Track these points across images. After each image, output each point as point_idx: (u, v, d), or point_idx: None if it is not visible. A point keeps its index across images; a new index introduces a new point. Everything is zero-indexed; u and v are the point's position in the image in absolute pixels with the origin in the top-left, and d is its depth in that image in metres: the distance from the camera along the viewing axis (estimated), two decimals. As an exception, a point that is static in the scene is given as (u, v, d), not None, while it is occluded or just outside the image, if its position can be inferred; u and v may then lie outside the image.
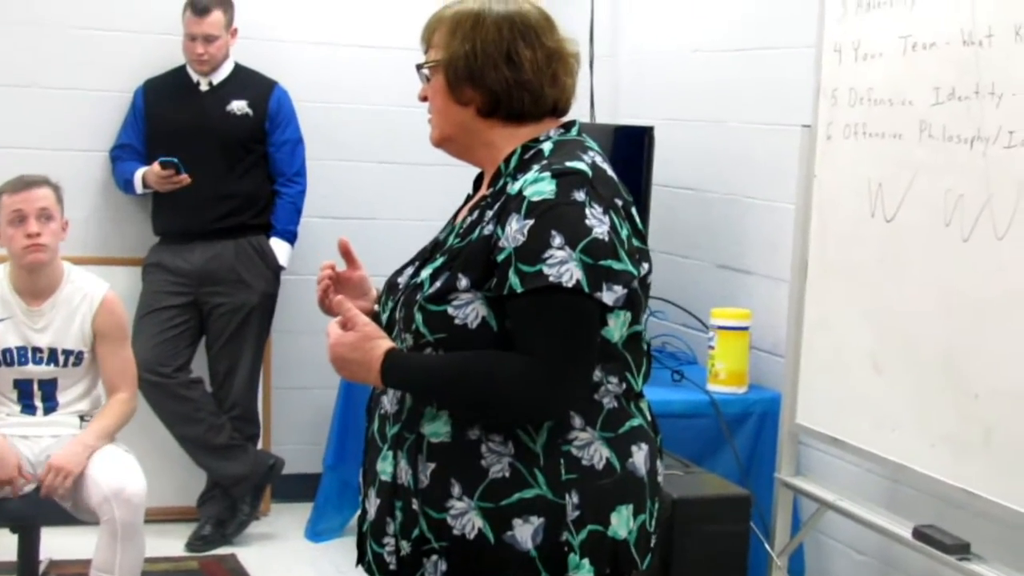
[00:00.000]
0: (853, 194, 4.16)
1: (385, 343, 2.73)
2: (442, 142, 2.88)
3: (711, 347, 5.04)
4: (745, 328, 5.04)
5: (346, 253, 3.05)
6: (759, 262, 5.30)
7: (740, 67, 5.47)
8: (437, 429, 2.69)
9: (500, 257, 2.61)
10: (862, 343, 4.12)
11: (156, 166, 6.00)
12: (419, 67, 2.87)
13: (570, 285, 2.56)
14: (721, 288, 5.51)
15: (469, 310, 2.65)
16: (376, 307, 2.95)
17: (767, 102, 5.26)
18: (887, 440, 4.01)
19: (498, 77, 2.77)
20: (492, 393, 2.62)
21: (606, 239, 2.61)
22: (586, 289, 2.58)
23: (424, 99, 2.89)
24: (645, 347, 2.80)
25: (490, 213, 2.70)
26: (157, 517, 5.76)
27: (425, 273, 2.75)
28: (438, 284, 2.69)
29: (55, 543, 5.21)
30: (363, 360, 2.71)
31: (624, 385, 2.74)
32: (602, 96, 6.34)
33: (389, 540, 2.77)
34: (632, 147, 5.43)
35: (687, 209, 5.77)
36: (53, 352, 4.86)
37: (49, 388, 4.90)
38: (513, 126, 2.82)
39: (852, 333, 4.18)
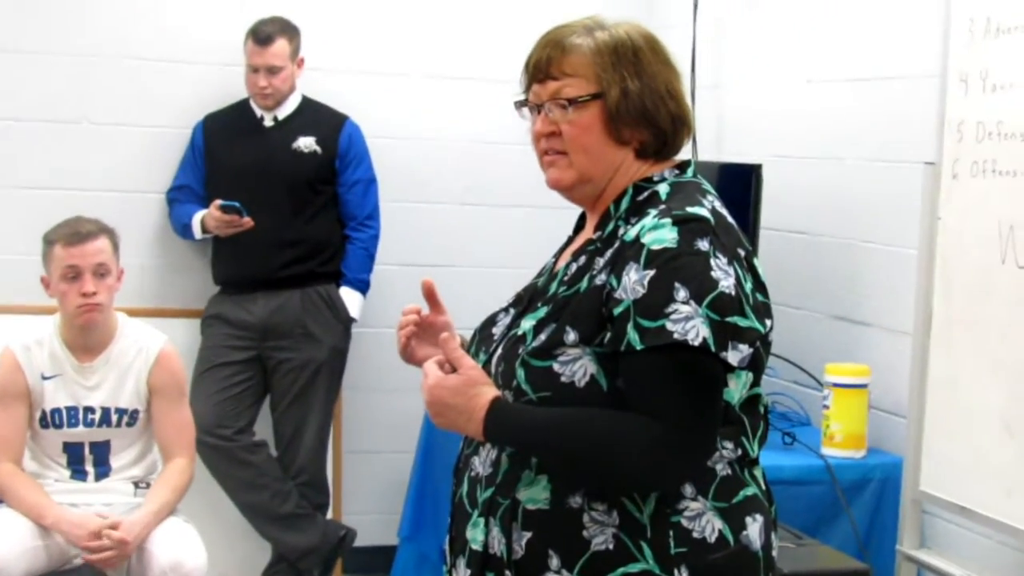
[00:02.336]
0: (982, 238, 4.15)
1: (491, 391, 2.70)
2: (578, 185, 2.80)
3: (826, 406, 5.03)
4: (863, 386, 5.03)
5: (430, 296, 3.00)
6: (878, 313, 5.29)
7: (856, 99, 5.47)
8: (535, 495, 2.68)
9: (617, 310, 2.59)
10: (992, 402, 4.11)
11: (216, 209, 6.05)
12: (571, 101, 2.74)
13: (696, 343, 2.54)
14: (836, 342, 5.51)
15: (577, 367, 2.64)
16: None
17: (886, 137, 5.26)
18: (1020, 509, 4.00)
19: (666, 114, 2.77)
20: (610, 457, 2.58)
21: (732, 293, 2.60)
22: (712, 348, 2.56)
23: (553, 134, 2.78)
24: (762, 410, 2.78)
25: (601, 260, 2.69)
26: (218, 592, 5.83)
27: (527, 324, 2.74)
28: (543, 337, 2.67)
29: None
30: (465, 407, 2.69)
31: (739, 451, 2.71)
32: (705, 131, 6.33)
33: (479, 614, 2.76)
34: (738, 187, 5.44)
35: (798, 255, 5.78)
36: (106, 412, 4.92)
37: (102, 451, 4.95)
38: (656, 166, 2.81)
39: (981, 391, 4.17)
